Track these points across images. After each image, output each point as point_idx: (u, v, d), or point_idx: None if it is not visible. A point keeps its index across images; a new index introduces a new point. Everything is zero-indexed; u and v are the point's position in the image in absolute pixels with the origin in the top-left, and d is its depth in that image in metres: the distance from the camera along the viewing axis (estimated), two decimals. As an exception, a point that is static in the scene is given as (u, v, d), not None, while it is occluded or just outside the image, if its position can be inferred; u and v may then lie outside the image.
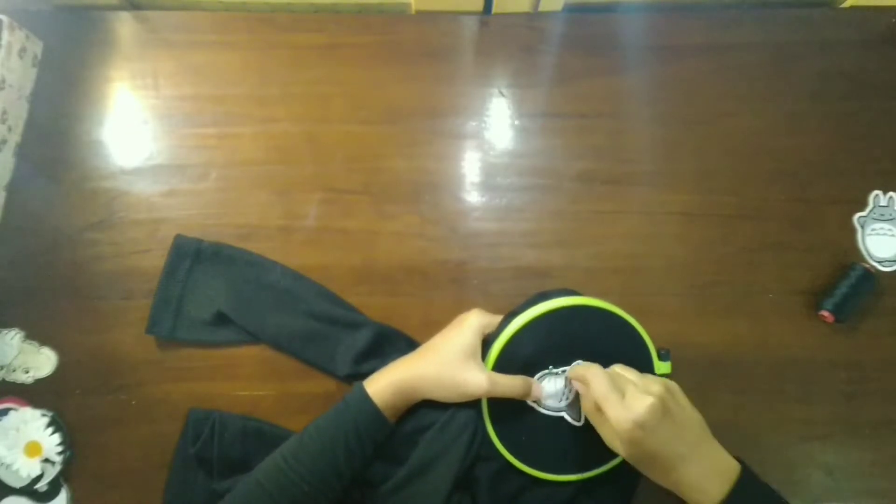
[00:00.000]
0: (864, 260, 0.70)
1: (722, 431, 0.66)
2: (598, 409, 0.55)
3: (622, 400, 0.52)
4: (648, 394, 0.52)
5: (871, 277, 0.68)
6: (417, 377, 0.58)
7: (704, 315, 0.68)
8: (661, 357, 0.62)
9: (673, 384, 0.55)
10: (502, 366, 0.59)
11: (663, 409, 0.51)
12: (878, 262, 0.70)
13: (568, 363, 0.60)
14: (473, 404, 0.60)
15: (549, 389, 0.60)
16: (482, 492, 0.59)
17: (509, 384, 0.58)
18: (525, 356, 0.59)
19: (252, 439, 0.63)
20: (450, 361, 0.58)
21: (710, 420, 0.62)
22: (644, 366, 0.61)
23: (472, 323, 0.60)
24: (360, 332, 0.65)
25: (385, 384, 0.58)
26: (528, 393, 0.58)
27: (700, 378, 0.66)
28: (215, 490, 0.61)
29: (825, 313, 0.67)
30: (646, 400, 0.51)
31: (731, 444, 0.66)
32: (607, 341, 0.61)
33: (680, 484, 0.52)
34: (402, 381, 0.58)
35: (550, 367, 0.60)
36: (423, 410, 0.60)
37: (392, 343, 0.65)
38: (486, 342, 0.60)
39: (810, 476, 0.65)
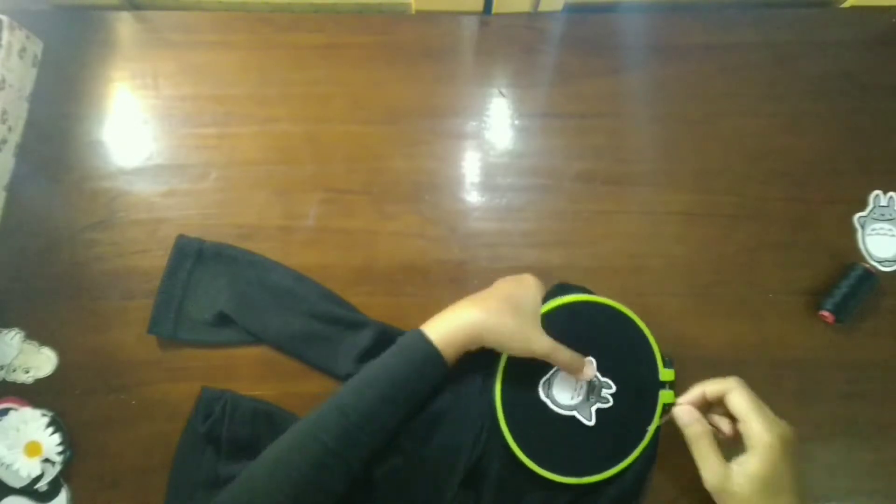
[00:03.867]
0: (864, 260, 0.70)
1: (722, 431, 0.66)
2: (714, 440, 0.54)
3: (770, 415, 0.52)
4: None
5: (871, 277, 0.68)
6: (493, 326, 0.57)
7: (704, 315, 0.68)
8: (666, 364, 0.62)
9: None
10: None
11: None
12: (879, 262, 0.70)
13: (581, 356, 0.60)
14: (486, 398, 0.60)
15: (560, 384, 0.60)
16: (488, 487, 0.59)
17: (568, 355, 0.58)
18: None
19: (262, 422, 0.63)
20: (527, 317, 0.58)
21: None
22: (649, 370, 0.61)
23: (537, 285, 0.61)
24: (363, 332, 0.65)
25: (452, 329, 0.57)
26: (580, 369, 0.59)
27: (700, 378, 0.66)
28: (220, 474, 0.61)
29: (825, 313, 0.67)
30: (787, 425, 0.53)
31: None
32: (619, 342, 0.61)
33: None
34: (474, 327, 0.57)
35: None
36: (433, 398, 0.60)
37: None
38: None
39: (810, 476, 0.65)
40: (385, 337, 0.65)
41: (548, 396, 0.60)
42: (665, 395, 0.61)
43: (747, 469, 0.50)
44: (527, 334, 0.58)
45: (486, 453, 0.60)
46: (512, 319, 0.57)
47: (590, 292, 0.63)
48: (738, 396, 0.52)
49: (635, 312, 0.62)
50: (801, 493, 0.51)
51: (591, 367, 0.60)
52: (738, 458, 0.52)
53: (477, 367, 0.61)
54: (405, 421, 0.57)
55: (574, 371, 0.59)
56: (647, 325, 0.62)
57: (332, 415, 0.54)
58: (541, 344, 0.57)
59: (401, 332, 0.65)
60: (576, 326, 0.61)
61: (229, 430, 0.62)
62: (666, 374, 0.61)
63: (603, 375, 0.61)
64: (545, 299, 0.62)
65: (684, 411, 0.55)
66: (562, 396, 0.60)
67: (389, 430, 0.56)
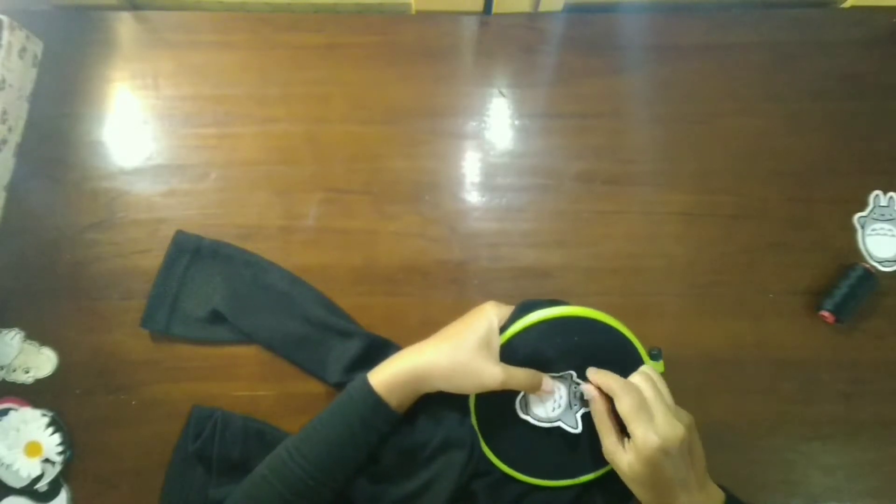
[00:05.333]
0: (864, 260, 0.70)
1: (722, 432, 0.66)
2: (609, 418, 0.55)
3: (652, 420, 0.52)
4: (680, 422, 0.53)
5: (871, 277, 0.68)
6: (429, 367, 0.57)
7: (704, 315, 0.68)
8: (653, 357, 0.61)
9: (692, 417, 0.56)
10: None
11: (689, 439, 0.53)
12: (879, 262, 0.70)
13: (557, 373, 0.60)
14: (467, 426, 0.59)
15: (536, 399, 0.59)
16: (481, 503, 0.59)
17: (523, 376, 0.57)
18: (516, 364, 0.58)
19: (253, 440, 0.63)
20: (463, 352, 0.57)
21: (709, 420, 0.62)
22: (634, 366, 0.61)
23: (489, 313, 0.59)
24: (352, 341, 0.64)
25: (391, 374, 0.57)
26: (538, 386, 0.58)
27: (700, 378, 0.66)
28: (210, 497, 0.61)
29: (825, 313, 0.67)
30: (678, 428, 0.52)
31: (731, 444, 0.66)
32: (596, 348, 0.60)
33: None
34: (412, 371, 0.57)
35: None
36: (414, 429, 0.60)
37: (384, 354, 0.63)
38: None
39: (810, 476, 0.65)
40: (375, 347, 0.64)
41: (527, 414, 0.59)
42: None
43: (629, 459, 0.53)
44: (474, 370, 0.56)
45: (476, 473, 0.59)
46: (451, 360, 0.56)
47: (560, 303, 0.61)
48: (620, 404, 0.53)
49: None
50: (685, 483, 0.53)
51: (548, 382, 0.58)
52: (628, 443, 0.54)
53: (454, 398, 0.59)
54: (367, 459, 0.57)
55: (534, 390, 0.58)
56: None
57: (279, 457, 0.55)
58: (491, 375, 0.56)
59: (392, 343, 0.65)
60: (546, 345, 0.59)
61: (220, 449, 0.62)
62: (654, 367, 0.61)
63: (585, 382, 0.60)
64: (513, 319, 0.60)
65: (586, 389, 0.57)
66: (541, 411, 0.59)
67: (341, 474, 0.56)
